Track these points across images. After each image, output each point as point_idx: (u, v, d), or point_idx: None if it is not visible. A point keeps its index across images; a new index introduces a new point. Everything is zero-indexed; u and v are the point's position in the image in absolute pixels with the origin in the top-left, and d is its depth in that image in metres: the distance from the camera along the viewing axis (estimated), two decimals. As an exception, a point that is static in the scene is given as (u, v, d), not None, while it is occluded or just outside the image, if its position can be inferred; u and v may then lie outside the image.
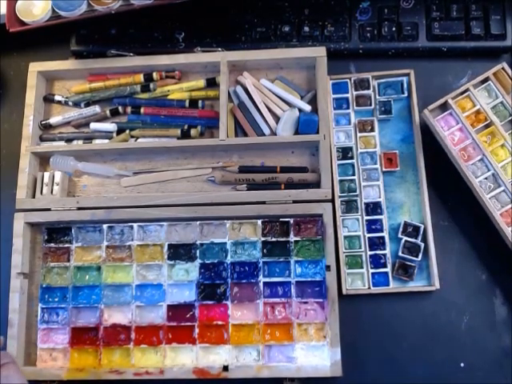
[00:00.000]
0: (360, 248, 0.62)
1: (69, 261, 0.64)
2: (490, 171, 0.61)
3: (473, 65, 0.68)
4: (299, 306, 0.61)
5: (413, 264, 0.61)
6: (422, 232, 0.61)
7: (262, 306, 0.61)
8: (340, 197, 0.64)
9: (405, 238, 0.61)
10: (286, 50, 0.66)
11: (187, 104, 0.67)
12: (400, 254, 0.61)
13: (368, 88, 0.66)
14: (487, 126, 0.62)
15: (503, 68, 0.62)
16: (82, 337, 0.62)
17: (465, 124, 0.61)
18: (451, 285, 0.61)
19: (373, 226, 0.63)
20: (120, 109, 0.68)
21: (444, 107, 0.63)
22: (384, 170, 0.64)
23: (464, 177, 0.61)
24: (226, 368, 0.59)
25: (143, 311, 0.62)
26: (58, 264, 0.64)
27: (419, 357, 0.60)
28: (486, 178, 0.61)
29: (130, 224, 0.64)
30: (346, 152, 0.65)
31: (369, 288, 0.61)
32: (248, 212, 0.62)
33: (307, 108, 0.65)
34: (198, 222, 0.63)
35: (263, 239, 0.63)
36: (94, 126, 0.68)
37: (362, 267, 0.62)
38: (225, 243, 0.63)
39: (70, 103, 0.69)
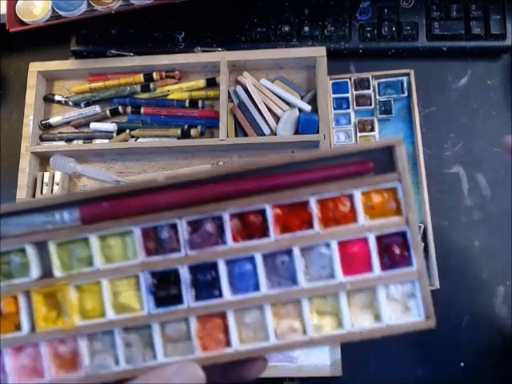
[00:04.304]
0: (360, 248, 0.62)
1: (69, 261, 0.64)
2: None
3: (473, 65, 0.68)
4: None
5: (413, 264, 0.61)
6: (421, 232, 0.61)
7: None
8: (340, 197, 0.64)
9: (405, 238, 0.61)
10: (285, 49, 0.66)
11: (187, 104, 0.67)
12: (400, 253, 0.61)
13: (368, 88, 0.66)
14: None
15: None
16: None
17: None
18: (451, 285, 0.61)
19: (373, 225, 0.63)
20: (120, 109, 0.68)
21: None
22: (384, 169, 0.64)
23: None
24: (226, 368, 0.59)
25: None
26: (58, 264, 0.64)
27: (419, 357, 0.60)
28: None
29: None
30: (346, 152, 0.65)
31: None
32: (248, 212, 0.62)
33: (307, 108, 0.65)
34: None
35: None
36: (93, 125, 0.68)
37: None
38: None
39: (70, 103, 0.69)
